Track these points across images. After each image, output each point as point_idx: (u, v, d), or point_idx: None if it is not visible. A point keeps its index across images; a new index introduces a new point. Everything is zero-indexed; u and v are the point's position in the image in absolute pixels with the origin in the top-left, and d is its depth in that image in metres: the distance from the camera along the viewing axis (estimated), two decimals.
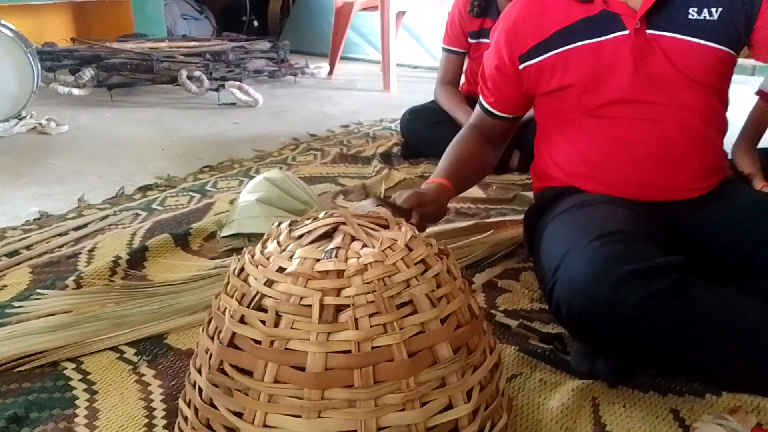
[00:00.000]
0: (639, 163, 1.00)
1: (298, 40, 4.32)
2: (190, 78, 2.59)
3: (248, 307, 0.62)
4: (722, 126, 1.04)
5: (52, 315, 0.99)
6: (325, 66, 3.41)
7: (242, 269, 0.66)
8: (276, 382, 0.59)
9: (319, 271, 0.61)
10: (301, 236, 0.68)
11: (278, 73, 3.10)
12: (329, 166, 1.87)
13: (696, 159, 1.00)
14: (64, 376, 0.86)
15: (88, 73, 2.56)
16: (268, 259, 0.65)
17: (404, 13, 3.41)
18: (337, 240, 0.66)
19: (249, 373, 0.61)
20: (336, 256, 0.62)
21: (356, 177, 1.75)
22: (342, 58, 3.69)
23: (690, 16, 0.95)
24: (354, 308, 0.59)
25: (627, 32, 0.96)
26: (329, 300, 0.59)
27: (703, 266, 1.00)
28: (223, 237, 1.23)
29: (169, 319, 1.00)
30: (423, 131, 1.86)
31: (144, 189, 1.60)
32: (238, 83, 2.61)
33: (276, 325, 0.60)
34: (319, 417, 0.58)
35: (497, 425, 0.67)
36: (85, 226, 1.35)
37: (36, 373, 0.87)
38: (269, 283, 0.62)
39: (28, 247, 1.23)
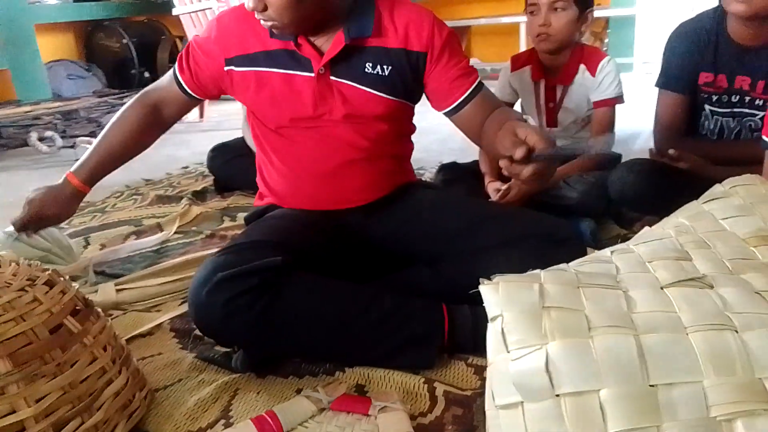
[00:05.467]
0: (311, 180, 1.16)
1: None
2: (41, 139, 2.70)
3: None
4: (393, 149, 1.20)
5: None
6: (194, 109, 3.55)
7: None
8: None
9: None
10: None
11: None
12: (144, 208, 2.00)
13: (359, 176, 1.16)
14: None
15: None
16: None
17: None
18: None
19: None
20: None
21: (161, 216, 1.88)
22: (224, 99, 3.84)
23: (366, 70, 1.10)
24: None
25: (312, 75, 1.09)
26: None
27: (378, 260, 1.17)
28: None
29: None
30: (224, 167, 2.00)
31: None
32: (88, 138, 2.73)
33: None
34: None
35: (88, 422, 0.81)
36: None
37: None
38: None
39: None
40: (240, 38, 1.12)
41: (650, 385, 0.44)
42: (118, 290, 1.33)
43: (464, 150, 1.31)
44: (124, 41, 4.77)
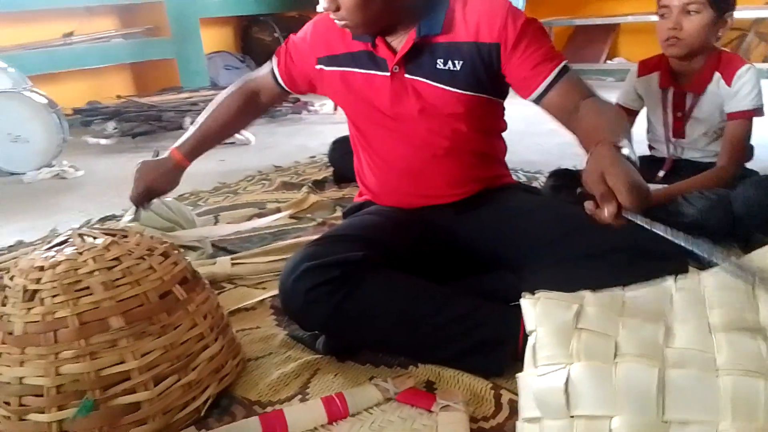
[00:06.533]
0: (396, 178, 1.21)
1: None
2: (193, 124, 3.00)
3: None
4: (476, 147, 1.20)
5: None
6: (329, 102, 3.73)
7: (9, 270, 0.96)
8: (2, 343, 0.88)
9: (33, 267, 0.89)
10: (50, 245, 0.97)
11: (278, 113, 3.47)
12: (269, 193, 2.16)
13: (442, 171, 1.18)
14: None
15: (110, 125, 3.05)
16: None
17: None
18: (59, 247, 0.94)
19: None
20: (45, 257, 0.90)
21: (283, 201, 2.02)
22: None
23: (437, 66, 1.12)
24: (41, 291, 0.86)
25: (388, 74, 1.14)
26: (31, 286, 0.87)
27: (463, 262, 1.19)
28: None
29: None
30: (344, 158, 2.08)
31: (103, 220, 1.98)
32: None
33: (3, 304, 0.89)
34: (20, 366, 0.86)
35: (183, 380, 0.92)
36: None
37: None
38: (11, 277, 0.91)
39: None
40: (330, 40, 1.20)
41: (664, 420, 0.43)
42: (233, 264, 1.47)
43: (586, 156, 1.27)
44: (276, 35, 5.12)
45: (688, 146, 1.56)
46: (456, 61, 1.11)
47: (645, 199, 0.77)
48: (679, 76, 1.51)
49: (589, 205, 0.95)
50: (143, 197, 1.40)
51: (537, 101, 1.12)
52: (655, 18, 1.48)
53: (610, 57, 4.71)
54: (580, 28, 4.79)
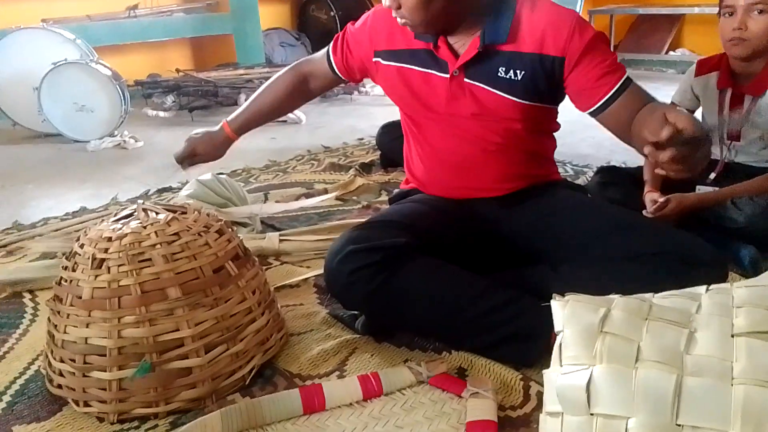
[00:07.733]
0: (444, 169, 1.23)
1: None
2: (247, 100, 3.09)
3: (67, 260, 1.00)
4: (527, 145, 1.21)
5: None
6: None
7: (79, 238, 1.04)
8: (71, 305, 0.96)
9: (101, 237, 0.97)
10: (117, 218, 1.04)
11: (330, 93, 3.52)
12: (317, 173, 2.22)
13: (492, 167, 1.20)
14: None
15: (169, 99, 3.17)
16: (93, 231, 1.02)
17: None
18: (125, 220, 1.01)
19: (61, 300, 0.98)
20: (112, 229, 0.98)
21: (330, 182, 2.08)
22: None
23: (499, 74, 1.12)
24: (108, 260, 0.94)
25: (447, 76, 1.15)
26: (99, 255, 0.95)
27: (502, 254, 1.21)
28: None
29: None
30: (391, 144, 2.13)
31: (160, 191, 2.08)
32: None
33: (74, 270, 0.97)
34: (86, 327, 0.94)
35: (231, 349, 0.99)
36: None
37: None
38: (81, 245, 0.99)
39: (56, 230, 1.74)
40: (389, 34, 1.21)
41: (677, 424, 0.45)
42: (281, 240, 1.54)
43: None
44: (332, 14, 5.15)
45: (742, 149, 1.52)
46: (518, 71, 1.11)
47: (703, 129, 0.81)
48: (739, 78, 1.48)
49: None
50: (186, 159, 1.43)
51: (594, 114, 1.11)
52: None
53: (672, 48, 4.56)
54: (643, 17, 4.65)
